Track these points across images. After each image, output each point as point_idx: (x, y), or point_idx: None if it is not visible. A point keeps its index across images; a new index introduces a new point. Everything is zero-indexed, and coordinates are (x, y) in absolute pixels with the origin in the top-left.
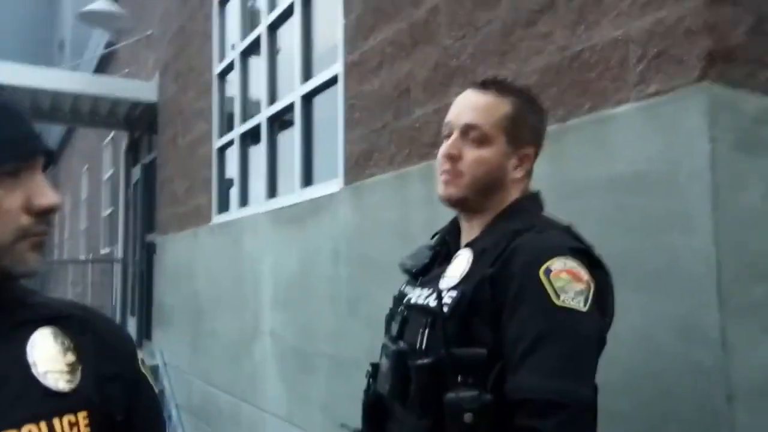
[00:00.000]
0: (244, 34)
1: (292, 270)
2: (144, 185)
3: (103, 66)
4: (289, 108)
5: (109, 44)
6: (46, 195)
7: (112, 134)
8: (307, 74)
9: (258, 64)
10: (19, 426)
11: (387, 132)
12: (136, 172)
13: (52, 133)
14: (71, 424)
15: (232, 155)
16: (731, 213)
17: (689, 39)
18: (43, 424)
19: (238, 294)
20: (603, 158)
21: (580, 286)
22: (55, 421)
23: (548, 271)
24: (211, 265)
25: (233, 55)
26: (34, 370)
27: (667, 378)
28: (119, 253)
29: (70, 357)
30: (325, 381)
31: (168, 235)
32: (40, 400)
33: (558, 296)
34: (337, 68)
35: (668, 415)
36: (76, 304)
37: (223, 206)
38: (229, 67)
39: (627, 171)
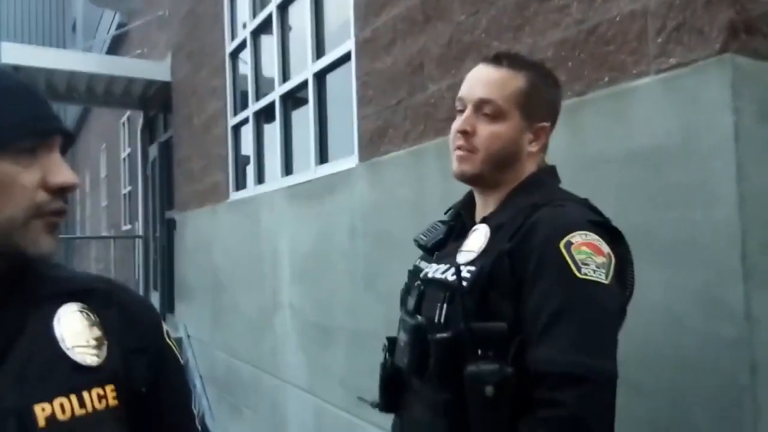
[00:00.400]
0: (255, 13)
1: (309, 245)
2: (161, 163)
3: (115, 47)
4: (302, 86)
5: (120, 25)
6: (62, 173)
7: (128, 113)
8: (319, 52)
9: (270, 43)
10: (50, 399)
11: (401, 108)
12: (153, 151)
13: (68, 113)
14: (99, 397)
15: (247, 133)
16: (756, 184)
17: (710, 10)
18: (73, 397)
19: (256, 269)
20: (622, 132)
21: (601, 259)
22: (85, 394)
23: (569, 245)
24: (230, 240)
25: (244, 34)
26: (62, 345)
27: (689, 351)
28: (140, 229)
29: (96, 331)
30: (343, 354)
31: (187, 212)
32: (69, 373)
33: (579, 269)
34: (349, 45)
35: (690, 389)
36: (100, 278)
37: (240, 183)
38: (241, 46)
39: (647, 144)
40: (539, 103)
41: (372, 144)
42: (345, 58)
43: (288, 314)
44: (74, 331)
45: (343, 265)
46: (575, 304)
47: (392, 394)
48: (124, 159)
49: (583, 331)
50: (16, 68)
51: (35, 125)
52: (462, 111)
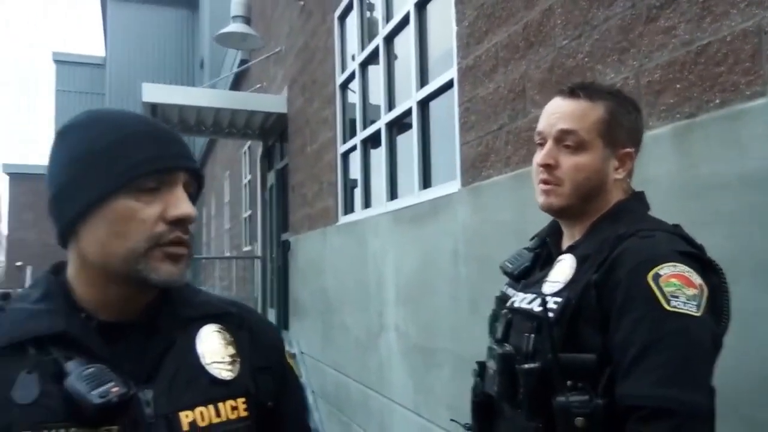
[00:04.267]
0: (363, 46)
1: (413, 268)
2: (278, 189)
3: (237, 82)
4: (407, 113)
5: (242, 62)
6: (179, 207)
7: (248, 143)
8: (422, 80)
9: (376, 73)
10: (192, 407)
11: (503, 133)
12: (271, 177)
13: (197, 144)
14: (232, 408)
15: (355, 160)
16: None
17: None
18: (211, 407)
19: (363, 290)
20: (735, 155)
21: (692, 291)
22: (220, 405)
23: (657, 277)
24: (339, 262)
25: (353, 65)
26: (202, 361)
27: None
28: (259, 250)
29: (231, 350)
30: (448, 377)
31: (300, 234)
32: (207, 386)
33: (668, 301)
34: (452, 73)
35: None
36: (233, 303)
37: (349, 207)
38: (350, 78)
39: (762, 167)
40: (620, 131)
41: (474, 169)
42: (448, 86)
43: (393, 336)
44: (212, 349)
45: (447, 288)
46: (665, 337)
47: (484, 418)
48: (245, 185)
49: (672, 364)
50: (155, 106)
51: (155, 165)
52: (542, 144)
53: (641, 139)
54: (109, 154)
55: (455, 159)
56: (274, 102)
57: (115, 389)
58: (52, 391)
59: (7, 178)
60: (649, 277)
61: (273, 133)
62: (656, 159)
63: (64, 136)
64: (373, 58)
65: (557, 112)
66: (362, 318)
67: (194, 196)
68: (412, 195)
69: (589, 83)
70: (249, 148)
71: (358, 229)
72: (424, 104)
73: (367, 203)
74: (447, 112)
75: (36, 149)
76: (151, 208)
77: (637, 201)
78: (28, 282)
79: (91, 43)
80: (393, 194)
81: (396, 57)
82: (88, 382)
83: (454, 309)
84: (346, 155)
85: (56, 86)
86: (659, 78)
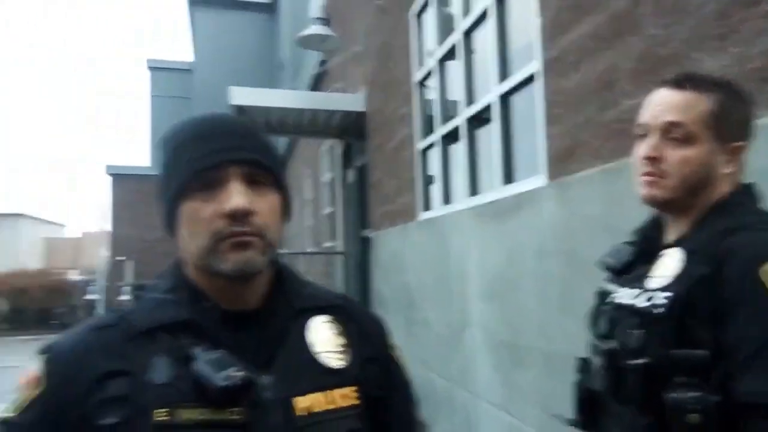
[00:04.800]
0: (441, 41)
1: (496, 264)
2: (358, 186)
3: (317, 83)
4: (487, 108)
5: (321, 62)
6: (231, 201)
7: (329, 142)
8: (503, 74)
9: (455, 68)
10: (306, 394)
11: (591, 126)
12: (351, 175)
13: (280, 144)
14: (343, 396)
15: (434, 156)
16: None
17: None
18: (323, 394)
19: (445, 286)
20: None
21: None
22: (332, 393)
23: None
24: (419, 258)
25: (431, 62)
26: (314, 350)
27: None
28: (340, 246)
29: (340, 340)
30: (537, 374)
31: (380, 230)
32: (319, 374)
33: None
34: (535, 66)
35: None
36: (339, 295)
37: (428, 204)
38: (428, 74)
39: None
40: (730, 123)
41: (560, 163)
42: (530, 79)
43: (477, 332)
44: (323, 339)
45: (533, 285)
46: None
47: (588, 413)
48: (325, 183)
49: None
50: (242, 108)
51: (199, 166)
52: (643, 136)
53: (751, 132)
54: (172, 161)
55: (540, 153)
56: (352, 101)
57: (237, 373)
58: (182, 374)
59: (110, 179)
60: (761, 271)
61: (352, 131)
62: (765, 149)
63: (159, 147)
64: (451, 54)
65: (663, 104)
66: (445, 314)
67: (275, 182)
68: (494, 190)
69: (696, 74)
70: (330, 147)
71: (438, 225)
72: (505, 98)
73: (447, 199)
74: (530, 106)
75: (135, 152)
76: (209, 206)
77: (747, 193)
78: (128, 275)
79: (182, 50)
80: (474, 190)
81: (474, 52)
82: (213, 366)
83: (541, 306)
84: (424, 152)
85: (151, 92)
86: (762, 65)
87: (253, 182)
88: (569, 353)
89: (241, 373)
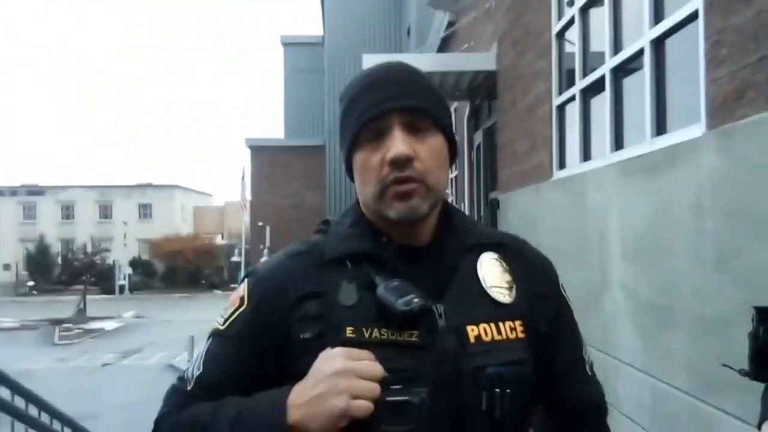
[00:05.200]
0: None
1: (643, 223)
2: (485, 148)
3: (443, 46)
4: (637, 55)
5: (449, 24)
6: (392, 148)
7: (455, 105)
8: (657, 16)
9: (599, 17)
10: (477, 323)
11: (764, 65)
12: (478, 137)
13: None
14: (511, 329)
15: (573, 111)
16: None
17: None
18: (492, 325)
19: (582, 246)
20: None
21: None
22: (500, 324)
23: None
24: (554, 218)
25: (572, 11)
26: (483, 284)
27: None
28: (466, 209)
29: (507, 276)
30: (687, 337)
31: (509, 192)
32: (488, 306)
33: None
34: (696, 3)
35: None
36: (508, 234)
37: (564, 162)
38: (568, 25)
39: None
40: None
41: (724, 109)
42: (689, 19)
43: (619, 293)
44: (492, 274)
45: (686, 243)
46: None
47: (764, 363)
48: None
49: None
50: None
51: (365, 117)
52: None
53: None
54: (346, 114)
55: (699, 100)
56: (482, 60)
57: (416, 300)
58: (366, 298)
59: (249, 151)
60: None
61: (481, 92)
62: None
63: (339, 101)
64: (595, 0)
65: None
66: (582, 275)
67: (438, 126)
68: (642, 144)
69: None
70: (455, 109)
71: (576, 184)
72: (658, 42)
73: (586, 156)
74: (687, 48)
75: (270, 124)
76: (376, 155)
77: None
78: (268, 239)
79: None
80: (618, 144)
81: None
82: (394, 292)
83: (695, 266)
84: (562, 107)
85: (285, 66)
86: None
87: (414, 128)
88: (724, 315)
89: (419, 300)
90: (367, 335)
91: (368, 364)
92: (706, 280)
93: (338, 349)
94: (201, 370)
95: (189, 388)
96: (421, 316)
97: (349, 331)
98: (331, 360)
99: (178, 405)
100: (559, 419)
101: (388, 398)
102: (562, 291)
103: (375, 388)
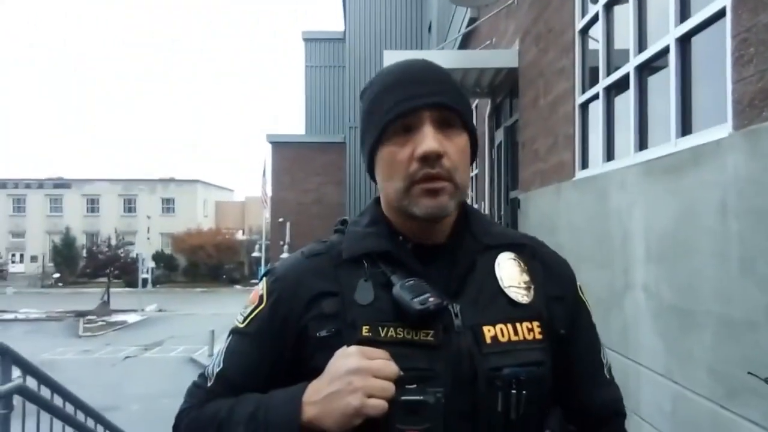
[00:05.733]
0: None
1: (666, 224)
2: (506, 146)
3: (465, 42)
4: (662, 53)
5: (471, 20)
6: (422, 144)
7: (476, 102)
8: (683, 14)
9: (623, 14)
10: (493, 323)
11: None
12: (499, 135)
13: None
14: (528, 330)
15: (596, 110)
16: None
17: None
18: (509, 325)
19: (604, 247)
20: None
21: None
22: (517, 325)
23: None
24: (575, 218)
25: (596, 8)
26: (501, 284)
27: None
28: (485, 208)
29: (525, 277)
30: (710, 341)
31: (530, 191)
32: (506, 307)
33: None
34: (724, 1)
35: None
36: (526, 236)
37: (586, 161)
38: (591, 22)
39: None
40: None
41: (752, 109)
42: (717, 16)
43: (641, 295)
44: (510, 274)
45: (711, 246)
46: None
47: None
48: None
49: None
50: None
51: (396, 111)
52: None
53: None
54: (371, 109)
55: (726, 100)
56: (504, 57)
57: (432, 299)
58: (382, 297)
59: (270, 146)
60: None
61: (502, 89)
62: None
63: (360, 97)
64: None
65: None
66: (603, 276)
67: (463, 124)
68: (667, 144)
69: None
70: (476, 106)
71: (598, 183)
72: (684, 40)
73: (609, 155)
74: (714, 46)
75: (289, 120)
76: (405, 150)
77: None
78: (288, 235)
79: (333, 20)
80: (642, 144)
81: None
82: (410, 291)
83: (720, 268)
84: (585, 106)
85: (305, 62)
86: None
87: (443, 125)
88: (748, 319)
89: (435, 299)
90: (382, 334)
91: (383, 362)
92: (730, 283)
93: (354, 348)
94: (221, 366)
95: (209, 384)
96: (437, 315)
97: (365, 330)
98: (347, 358)
99: (198, 401)
100: (576, 422)
101: (403, 397)
102: (581, 293)
103: (390, 387)
